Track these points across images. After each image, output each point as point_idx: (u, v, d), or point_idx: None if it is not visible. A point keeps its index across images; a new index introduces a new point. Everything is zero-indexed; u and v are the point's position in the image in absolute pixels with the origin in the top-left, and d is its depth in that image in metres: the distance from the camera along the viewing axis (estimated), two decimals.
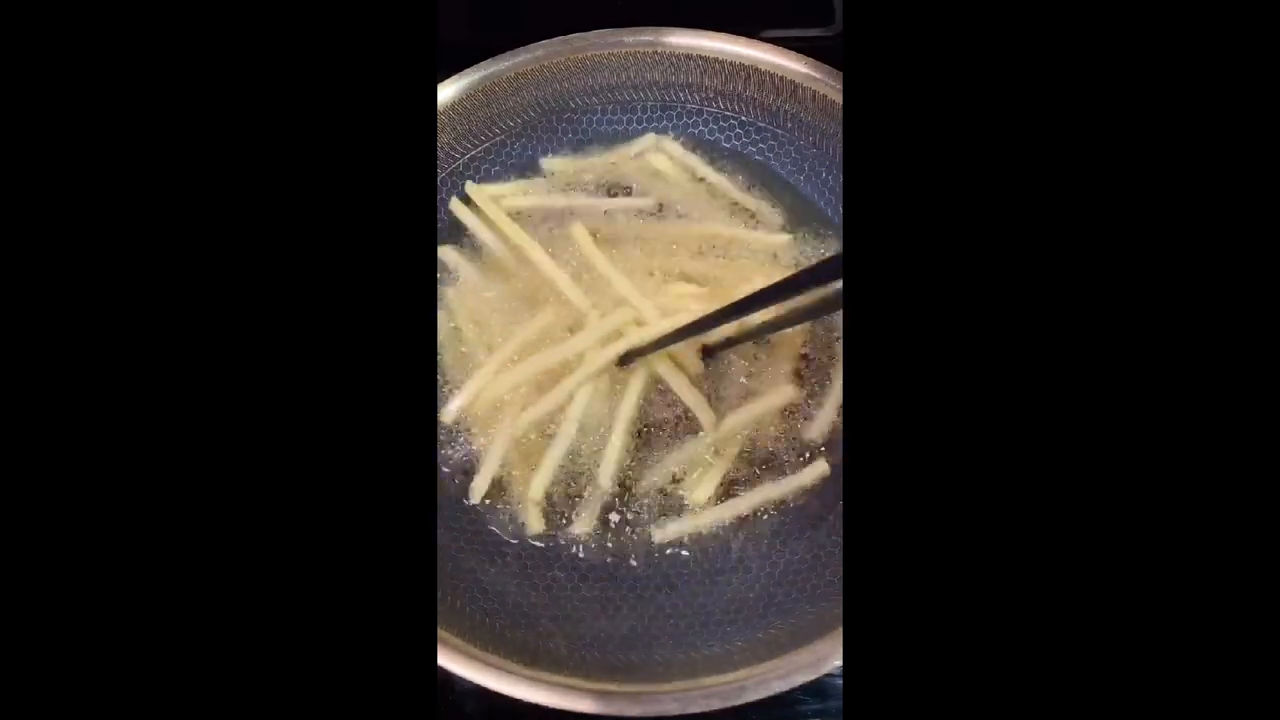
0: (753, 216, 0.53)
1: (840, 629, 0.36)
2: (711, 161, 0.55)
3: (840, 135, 0.50)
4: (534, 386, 0.47)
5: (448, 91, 0.50)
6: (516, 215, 0.52)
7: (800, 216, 0.53)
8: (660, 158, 0.54)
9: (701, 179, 0.54)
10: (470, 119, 0.52)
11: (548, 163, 0.55)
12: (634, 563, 0.44)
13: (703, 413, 0.46)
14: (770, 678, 0.35)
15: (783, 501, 0.45)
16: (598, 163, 0.55)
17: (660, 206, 0.53)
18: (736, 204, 0.53)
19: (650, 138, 0.55)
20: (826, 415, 0.47)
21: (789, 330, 0.47)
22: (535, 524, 0.45)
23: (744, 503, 0.45)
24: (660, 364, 0.46)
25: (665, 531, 0.44)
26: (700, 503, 0.45)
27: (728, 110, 0.54)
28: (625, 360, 0.46)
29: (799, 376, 0.48)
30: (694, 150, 0.55)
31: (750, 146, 0.55)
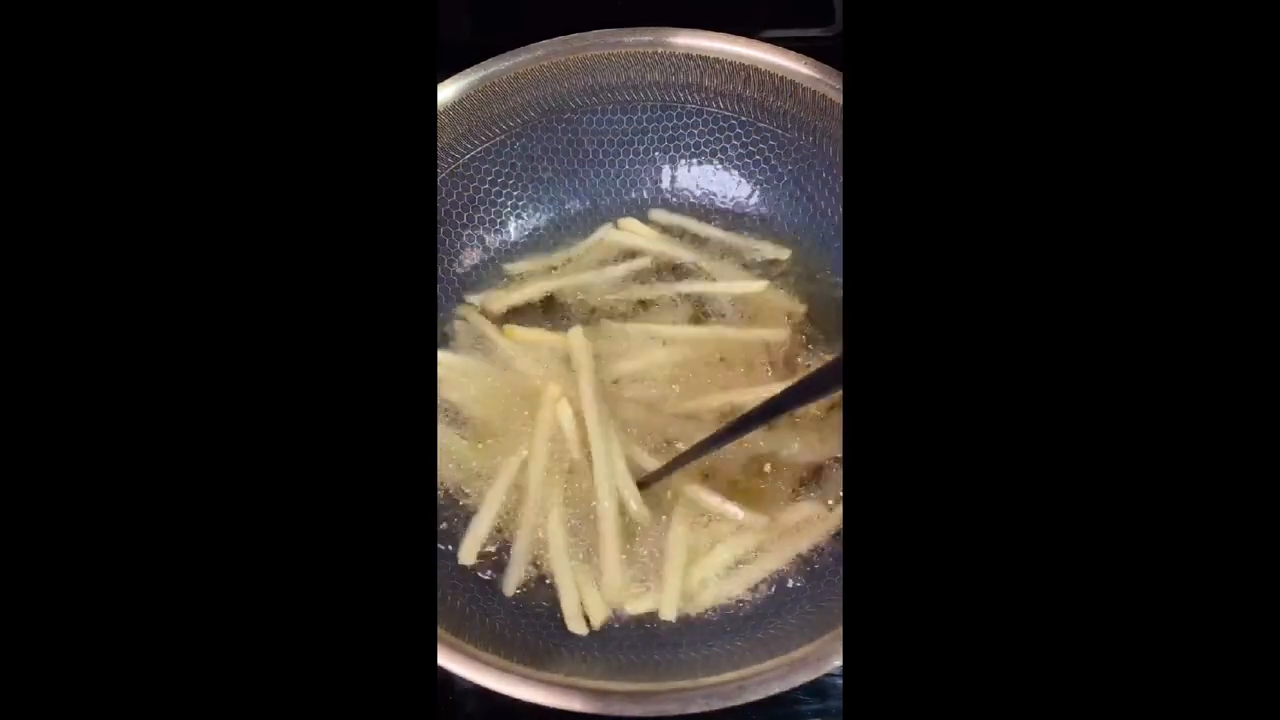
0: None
1: (840, 629, 0.36)
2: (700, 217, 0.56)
3: (840, 135, 0.50)
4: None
5: (448, 91, 0.50)
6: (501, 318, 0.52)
7: (800, 229, 0.54)
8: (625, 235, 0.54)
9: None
10: (470, 119, 0.52)
11: (512, 267, 0.55)
12: None
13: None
14: (770, 678, 0.35)
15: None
16: (558, 258, 0.55)
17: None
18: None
19: (606, 228, 0.55)
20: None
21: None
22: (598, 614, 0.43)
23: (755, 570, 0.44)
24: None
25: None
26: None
27: (728, 110, 0.54)
28: (641, 485, 0.45)
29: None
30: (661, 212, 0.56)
31: (740, 161, 0.56)
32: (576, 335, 0.49)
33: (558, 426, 0.47)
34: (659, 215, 0.56)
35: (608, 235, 0.55)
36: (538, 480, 0.45)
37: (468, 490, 0.47)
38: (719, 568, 0.43)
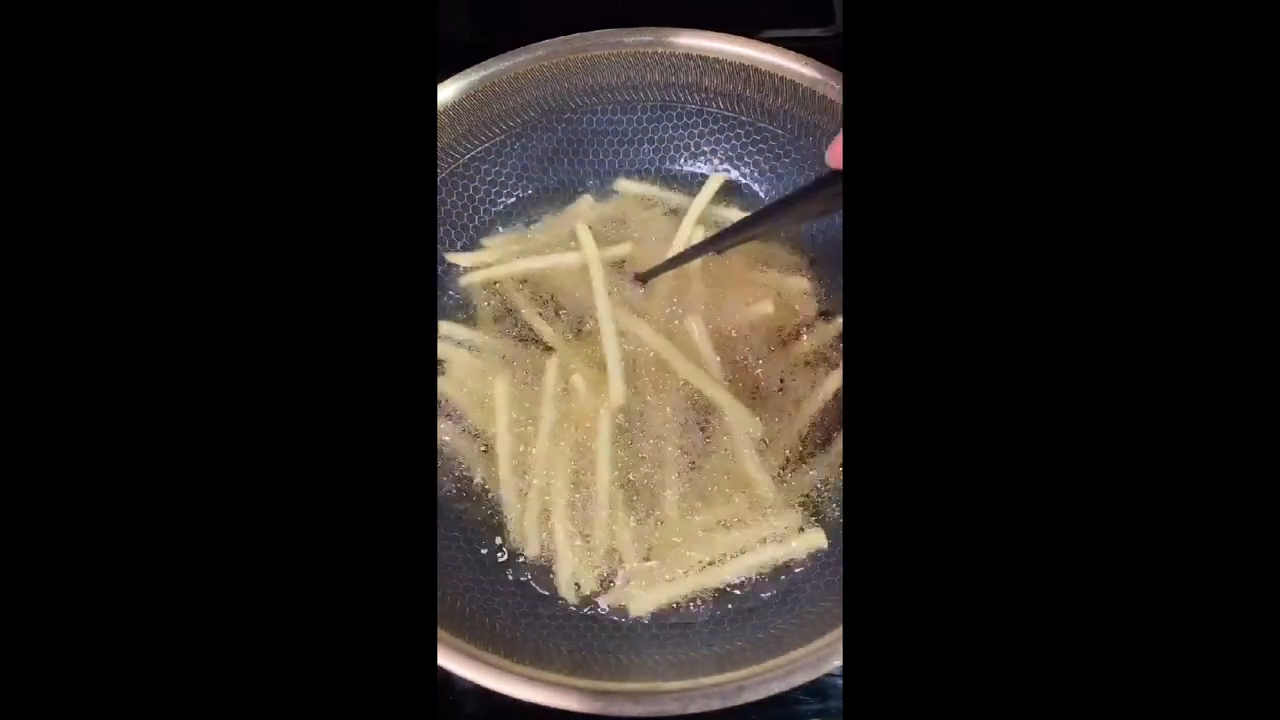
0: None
1: (840, 629, 0.36)
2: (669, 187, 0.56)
3: (840, 135, 0.50)
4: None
5: (448, 91, 0.50)
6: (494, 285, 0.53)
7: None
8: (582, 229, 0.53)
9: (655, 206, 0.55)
10: (470, 119, 0.52)
11: (488, 242, 0.55)
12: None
13: (741, 413, 0.46)
14: (770, 678, 0.35)
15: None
16: (539, 238, 0.54)
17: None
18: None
19: (585, 199, 0.55)
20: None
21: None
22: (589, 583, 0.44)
23: (728, 570, 0.43)
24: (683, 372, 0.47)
25: (643, 601, 0.43)
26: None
27: (727, 110, 0.54)
28: (641, 279, 0.49)
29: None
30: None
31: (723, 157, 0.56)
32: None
33: (562, 390, 0.48)
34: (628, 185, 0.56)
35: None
36: (543, 448, 0.46)
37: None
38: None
